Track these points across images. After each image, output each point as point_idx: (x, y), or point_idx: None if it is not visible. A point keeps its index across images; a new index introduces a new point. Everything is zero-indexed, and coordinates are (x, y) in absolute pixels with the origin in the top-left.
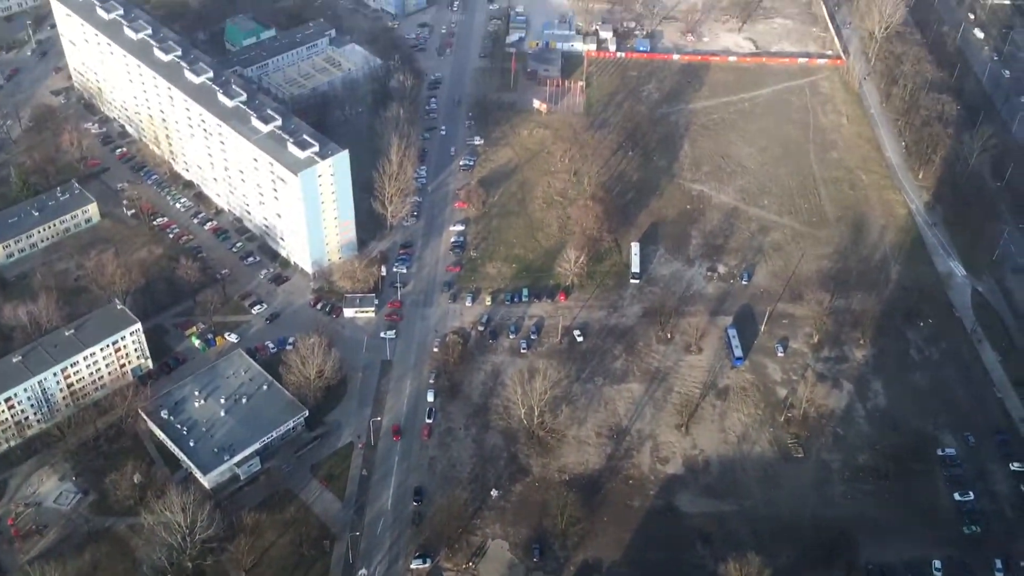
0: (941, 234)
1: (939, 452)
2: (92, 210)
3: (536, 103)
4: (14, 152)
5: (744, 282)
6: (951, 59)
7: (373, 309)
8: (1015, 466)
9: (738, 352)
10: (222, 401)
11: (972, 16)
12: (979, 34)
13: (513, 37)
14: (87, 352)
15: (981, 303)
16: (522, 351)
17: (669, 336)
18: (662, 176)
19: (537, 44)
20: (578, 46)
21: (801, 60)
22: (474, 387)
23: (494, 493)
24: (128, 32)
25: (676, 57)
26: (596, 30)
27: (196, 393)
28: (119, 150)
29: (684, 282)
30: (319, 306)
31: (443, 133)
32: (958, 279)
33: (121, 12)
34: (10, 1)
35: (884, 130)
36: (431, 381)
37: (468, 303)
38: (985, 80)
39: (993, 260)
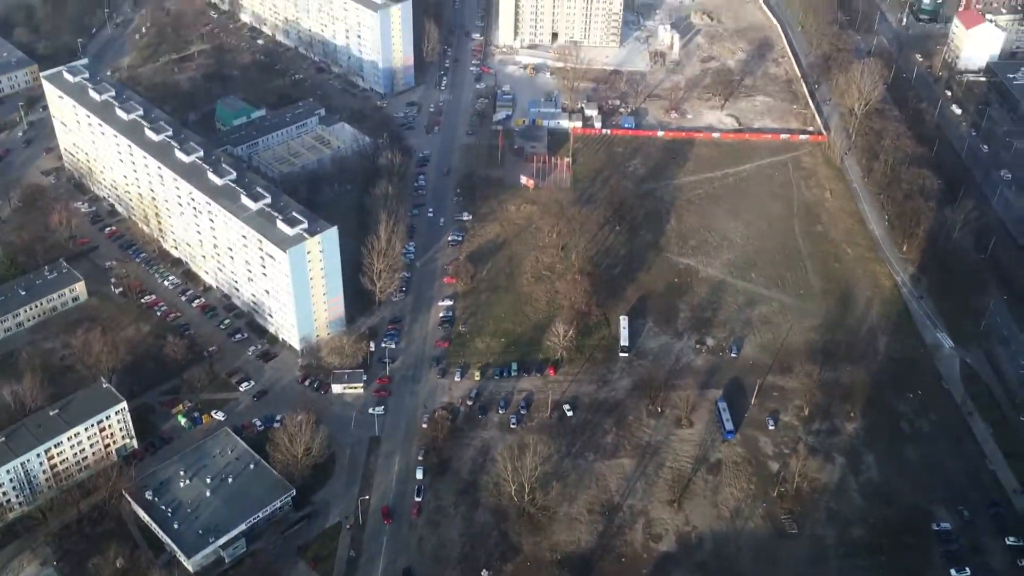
0: (927, 306)
1: (934, 527)
2: (79, 288)
3: (523, 179)
4: (3, 231)
5: (733, 355)
6: (930, 134)
7: (361, 385)
8: (1011, 540)
9: (729, 425)
10: (208, 481)
11: (949, 93)
12: (956, 110)
13: (500, 115)
14: (71, 432)
15: (970, 374)
16: (512, 426)
17: (659, 410)
18: (649, 250)
19: (524, 122)
20: (564, 123)
21: (783, 136)
22: (463, 463)
23: (485, 574)
24: (120, 113)
25: (661, 134)
26: (581, 107)
27: (181, 473)
28: (108, 228)
29: (673, 355)
30: (307, 382)
31: (431, 214)
32: (946, 351)
33: (113, 94)
34: (2, 84)
35: (867, 204)
36: (420, 458)
37: (457, 378)
38: (964, 155)
39: (980, 331)
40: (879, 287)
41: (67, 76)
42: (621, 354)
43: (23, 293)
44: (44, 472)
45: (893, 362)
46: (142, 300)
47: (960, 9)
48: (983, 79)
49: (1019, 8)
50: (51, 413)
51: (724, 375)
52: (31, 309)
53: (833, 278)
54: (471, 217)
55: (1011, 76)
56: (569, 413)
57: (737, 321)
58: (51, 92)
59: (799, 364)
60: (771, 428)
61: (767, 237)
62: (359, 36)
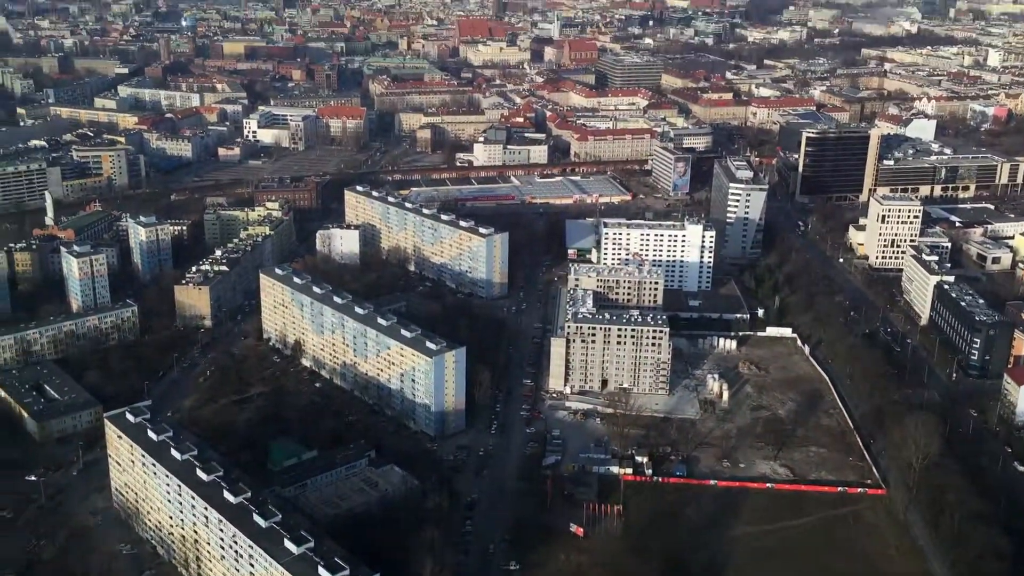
0: None
1: None
2: None
3: (573, 527)
4: (43, 574)
5: None
6: (993, 490)
7: None
8: None
9: None
10: None
11: (1009, 449)
12: (1020, 467)
13: (549, 460)
14: None
15: None
16: None
17: None
18: None
19: (573, 467)
20: (614, 469)
21: (841, 489)
22: None
23: None
24: (174, 453)
25: (713, 482)
26: (632, 454)
27: None
28: (146, 573)
29: None
30: None
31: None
32: None
33: (170, 434)
34: (66, 424)
35: (937, 563)
36: None
37: None
38: None
39: None
40: None
41: (129, 417)
42: None
43: None
44: None
45: None
46: None
47: (1009, 366)
48: None
49: None
50: None
51: None
52: None
53: None
54: (519, 566)
55: None
56: None
57: None
58: (111, 432)
59: None
60: None
61: None
62: (413, 380)
